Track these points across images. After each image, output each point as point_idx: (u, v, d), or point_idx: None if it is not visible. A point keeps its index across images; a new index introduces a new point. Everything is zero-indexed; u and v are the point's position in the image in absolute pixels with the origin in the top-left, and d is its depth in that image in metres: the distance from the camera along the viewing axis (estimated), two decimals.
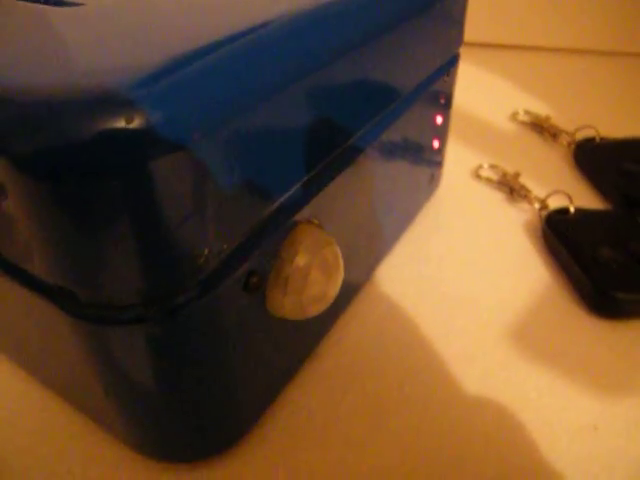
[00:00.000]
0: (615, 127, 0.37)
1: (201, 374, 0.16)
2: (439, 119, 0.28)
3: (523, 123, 0.39)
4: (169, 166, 0.12)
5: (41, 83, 0.12)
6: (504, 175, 0.32)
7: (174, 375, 0.16)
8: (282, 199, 0.16)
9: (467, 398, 0.22)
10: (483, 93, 0.42)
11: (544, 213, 0.29)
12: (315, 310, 0.17)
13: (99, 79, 0.12)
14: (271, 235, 0.16)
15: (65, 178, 0.12)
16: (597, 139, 0.35)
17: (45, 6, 0.16)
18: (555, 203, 0.30)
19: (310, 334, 0.22)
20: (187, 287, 0.14)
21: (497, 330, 0.24)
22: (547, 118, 0.38)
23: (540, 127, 0.38)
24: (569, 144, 0.36)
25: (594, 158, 0.33)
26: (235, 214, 0.14)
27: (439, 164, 0.30)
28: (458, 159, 0.34)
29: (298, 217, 0.17)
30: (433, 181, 0.30)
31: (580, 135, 0.36)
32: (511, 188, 0.32)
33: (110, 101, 0.12)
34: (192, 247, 0.14)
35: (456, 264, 0.28)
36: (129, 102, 0.12)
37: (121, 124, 0.11)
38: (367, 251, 0.25)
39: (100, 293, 0.14)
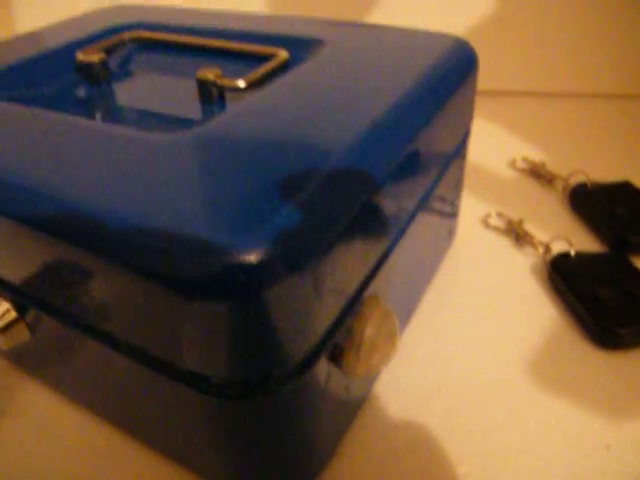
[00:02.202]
0: (604, 169, 0.42)
1: (294, 428, 0.20)
2: (459, 180, 0.32)
3: (522, 170, 0.44)
4: (283, 289, 0.16)
5: (179, 221, 0.17)
6: (510, 222, 0.37)
7: (275, 431, 0.20)
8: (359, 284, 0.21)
9: (499, 425, 0.26)
10: (482, 141, 0.47)
11: (548, 257, 0.34)
12: (380, 369, 0.22)
13: (225, 221, 0.17)
14: (348, 312, 0.20)
15: (209, 297, 0.16)
16: (588, 184, 0.39)
17: (162, 136, 0.21)
18: (557, 247, 0.34)
19: (367, 384, 0.26)
20: (295, 366, 0.18)
21: (517, 364, 0.29)
22: (542, 164, 0.43)
23: (537, 173, 0.42)
24: (564, 189, 0.40)
25: (587, 203, 0.38)
26: (331, 307, 0.19)
27: (456, 218, 0.35)
28: (468, 209, 0.39)
29: (365, 294, 0.21)
30: (451, 234, 0.34)
31: (573, 180, 0.40)
32: (517, 235, 0.36)
33: (233, 242, 0.16)
34: (303, 341, 0.18)
35: (476, 308, 0.32)
36: (248, 243, 0.16)
37: (242, 260, 0.16)
38: (406, 306, 0.29)
39: (231, 376, 0.18)
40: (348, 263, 0.19)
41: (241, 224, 0.16)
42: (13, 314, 0.23)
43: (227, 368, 0.18)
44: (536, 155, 0.45)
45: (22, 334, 0.24)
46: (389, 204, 0.22)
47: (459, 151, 0.31)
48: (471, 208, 0.39)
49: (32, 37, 0.35)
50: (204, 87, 0.27)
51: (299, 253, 0.16)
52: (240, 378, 0.18)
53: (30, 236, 0.19)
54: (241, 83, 0.26)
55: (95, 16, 0.38)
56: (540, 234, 0.36)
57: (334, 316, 0.19)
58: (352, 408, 0.25)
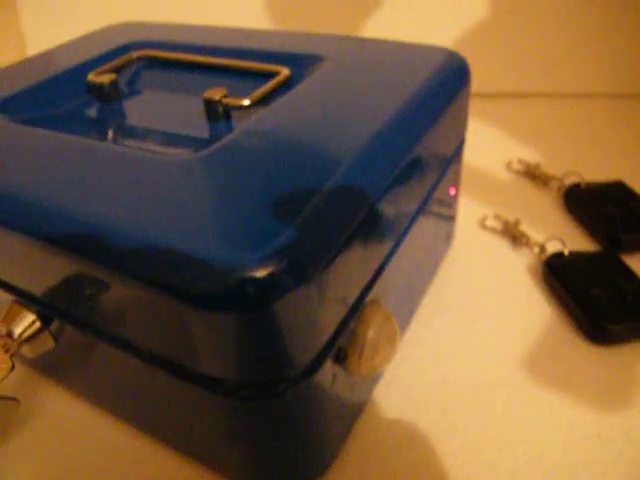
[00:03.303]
0: (598, 170, 0.43)
1: (303, 427, 0.22)
2: (455, 184, 0.34)
3: (517, 172, 0.45)
4: (291, 300, 0.18)
5: (193, 242, 0.18)
6: (506, 224, 0.39)
7: (285, 430, 0.22)
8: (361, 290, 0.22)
9: (496, 418, 0.28)
10: (478, 143, 0.48)
11: (543, 257, 0.35)
12: (382, 368, 0.23)
13: (235, 239, 0.18)
14: (351, 317, 0.22)
15: (223, 310, 0.18)
16: (582, 185, 0.41)
17: (174, 157, 0.22)
18: (552, 247, 0.36)
19: (370, 383, 0.28)
20: (303, 369, 0.20)
21: (513, 360, 0.30)
22: (537, 166, 0.44)
23: (532, 175, 0.44)
24: (559, 189, 0.42)
25: (581, 203, 0.39)
26: (334, 313, 0.20)
27: (453, 221, 0.36)
28: (465, 212, 0.40)
29: (366, 299, 0.23)
30: (449, 237, 0.36)
31: (568, 181, 0.42)
32: (513, 236, 0.38)
33: (243, 259, 0.18)
34: (309, 346, 0.19)
35: (474, 308, 0.33)
36: (258, 260, 0.18)
37: (252, 275, 0.17)
38: (407, 308, 0.31)
39: (244, 379, 0.20)
40: (350, 272, 0.21)
41: (250, 242, 0.18)
42: (38, 324, 0.25)
43: (240, 372, 0.20)
44: (531, 156, 0.47)
45: (47, 343, 0.26)
46: (388, 214, 0.23)
47: (454, 158, 0.32)
48: (468, 211, 0.41)
49: (43, 59, 0.36)
50: (211, 106, 0.28)
51: (304, 267, 0.18)
52: (252, 381, 0.20)
53: (56, 254, 0.21)
54: (246, 102, 0.28)
55: (103, 35, 0.39)
56: (536, 234, 0.38)
57: (338, 321, 0.21)
58: (357, 406, 0.27)
